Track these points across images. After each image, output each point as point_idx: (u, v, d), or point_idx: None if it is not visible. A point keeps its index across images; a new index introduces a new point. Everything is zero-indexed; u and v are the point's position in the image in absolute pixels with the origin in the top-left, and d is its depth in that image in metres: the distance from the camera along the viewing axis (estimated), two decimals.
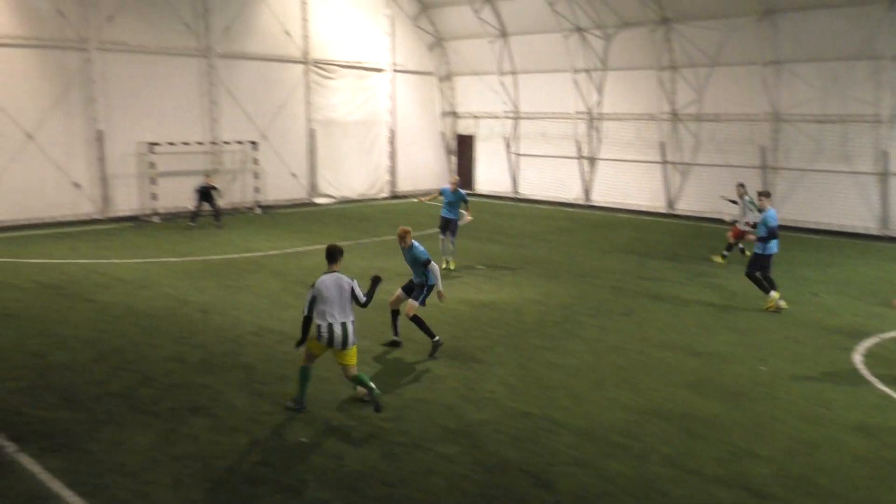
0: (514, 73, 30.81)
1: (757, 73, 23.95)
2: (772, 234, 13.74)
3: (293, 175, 28.26)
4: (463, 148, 33.58)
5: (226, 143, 25.88)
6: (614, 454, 7.90)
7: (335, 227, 23.08)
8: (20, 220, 21.68)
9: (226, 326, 12.27)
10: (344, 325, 8.73)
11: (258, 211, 26.34)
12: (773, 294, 13.85)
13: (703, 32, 24.93)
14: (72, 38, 22.37)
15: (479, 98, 32.34)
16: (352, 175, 30.18)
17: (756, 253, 14.07)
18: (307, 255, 18.60)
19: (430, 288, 11.09)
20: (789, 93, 23.69)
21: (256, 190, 26.64)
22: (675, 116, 26.48)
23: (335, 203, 29.17)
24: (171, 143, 24.03)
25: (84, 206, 23.05)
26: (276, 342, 11.47)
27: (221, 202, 23.20)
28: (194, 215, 22.37)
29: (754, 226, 15.05)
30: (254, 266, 17.11)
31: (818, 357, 11.23)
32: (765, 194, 14.59)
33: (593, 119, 28.77)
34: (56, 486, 7.01)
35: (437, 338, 11.06)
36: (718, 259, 18.28)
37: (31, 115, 21.81)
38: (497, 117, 31.63)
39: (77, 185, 22.86)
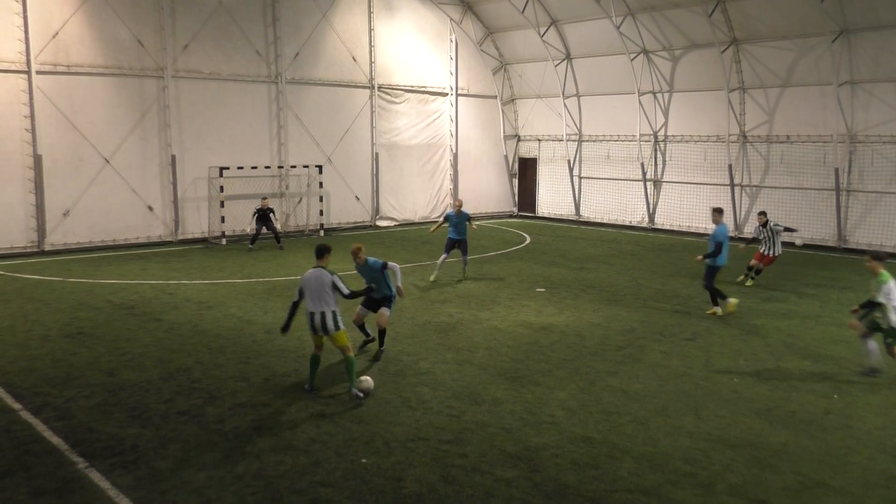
0: (577, 95, 30.71)
1: (831, 94, 23.30)
2: (718, 248, 14.81)
3: (357, 198, 28.69)
4: (525, 171, 33.56)
5: (292, 167, 26.47)
6: (678, 482, 7.70)
7: (397, 248, 23.27)
8: (96, 241, 22.57)
9: (289, 347, 12.45)
10: (323, 314, 9.95)
11: (322, 233, 26.79)
12: (732, 300, 15.06)
13: (774, 52, 24.44)
14: (149, 67, 23.31)
15: (542, 121, 32.34)
16: (414, 198, 30.47)
17: (708, 266, 14.98)
18: None
19: (393, 298, 11.86)
20: (865, 113, 22.97)
21: (321, 212, 27.12)
22: (743, 138, 25.94)
23: (397, 226, 29.45)
24: (240, 168, 24.71)
25: (156, 229, 23.86)
26: (338, 363, 11.57)
27: (279, 225, 23.63)
28: (253, 238, 22.86)
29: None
30: None
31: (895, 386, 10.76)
32: (717, 210, 15.68)
33: (658, 141, 28.41)
34: (124, 502, 7.19)
35: (383, 348, 11.90)
36: (747, 282, 18.22)
37: (109, 140, 22.74)
38: (560, 140, 31.54)
39: (150, 209, 23.68)
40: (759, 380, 10.96)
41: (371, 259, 11.84)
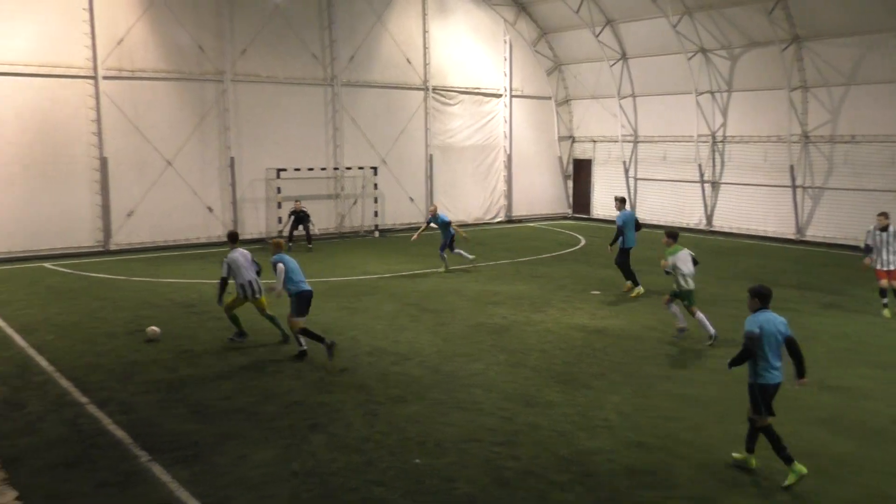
0: (633, 95, 30.34)
1: None
2: (619, 232, 16.98)
3: (411, 199, 28.85)
4: (580, 172, 33.29)
5: (347, 168, 26.76)
6: (737, 490, 7.54)
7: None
8: (158, 241, 23.18)
9: (343, 347, 12.58)
10: (250, 282, 12.51)
11: (376, 234, 27.02)
12: (638, 288, 16.78)
13: (838, 50, 23.73)
14: (209, 71, 23.86)
15: (597, 122, 32.03)
16: (468, 199, 30.50)
17: (620, 248, 17.11)
18: (423, 277, 18.87)
19: (296, 295, 11.95)
20: None
21: (375, 214, 27.37)
22: (805, 138, 25.27)
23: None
24: (297, 169, 25.10)
25: (215, 229, 24.38)
26: (391, 363, 11.67)
27: (315, 228, 23.94)
28: (289, 238, 23.13)
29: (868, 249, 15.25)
30: (371, 288, 17.52)
31: None
32: (620, 199, 17.89)
33: (717, 142, 27.87)
34: (184, 495, 7.37)
35: (330, 341, 11.80)
36: (887, 314, 14.92)
37: (171, 143, 23.35)
38: (615, 141, 31.19)
39: (210, 209, 24.22)
40: (823, 388, 10.65)
41: (275, 256, 12.08)
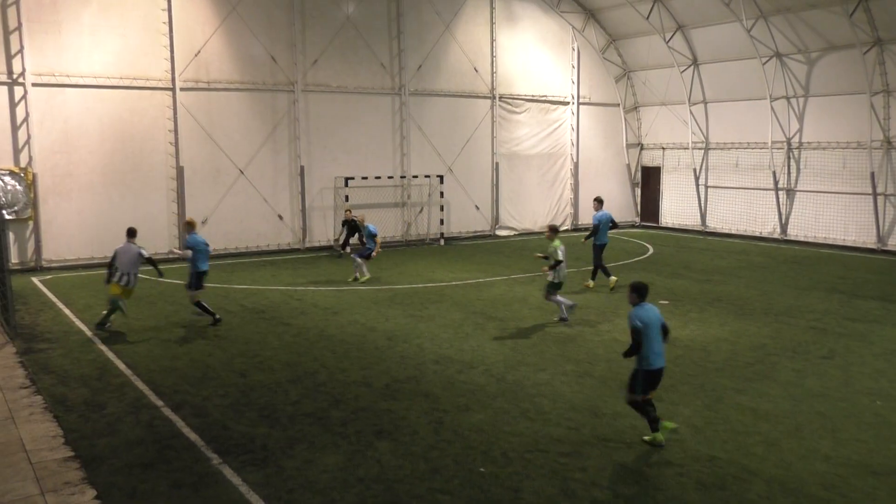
0: (704, 101, 29.72)
1: None
2: (595, 229, 18.41)
3: (476, 207, 28.88)
4: (648, 180, 32.76)
5: (414, 177, 26.98)
6: None
7: (516, 258, 23.24)
8: (230, 248, 23.78)
9: (409, 354, 12.67)
10: (128, 274, 14.27)
11: (442, 242, 27.13)
12: (612, 278, 18.24)
13: None
14: (282, 81, 24.42)
15: (666, 128, 31.49)
16: (534, 207, 30.35)
17: (594, 245, 18.56)
18: (488, 285, 18.85)
19: (194, 274, 14.79)
20: None
21: (441, 222, 27.50)
22: (888, 144, 24.30)
23: (517, 235, 29.41)
24: (364, 178, 25.43)
25: (285, 237, 24.89)
26: (456, 371, 11.68)
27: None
28: (343, 244, 23.37)
29: None
30: (437, 296, 17.59)
31: None
32: (598, 200, 19.37)
33: (792, 148, 27.05)
34: (253, 498, 7.52)
35: (217, 316, 14.72)
36: None
37: (243, 152, 23.96)
38: (685, 148, 30.59)
39: (280, 217, 24.74)
40: None
41: (189, 239, 14.91)
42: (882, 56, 23.81)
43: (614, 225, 19.13)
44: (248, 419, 9.68)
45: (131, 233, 14.79)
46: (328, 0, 25.03)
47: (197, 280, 14.83)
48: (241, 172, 23.94)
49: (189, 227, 15.19)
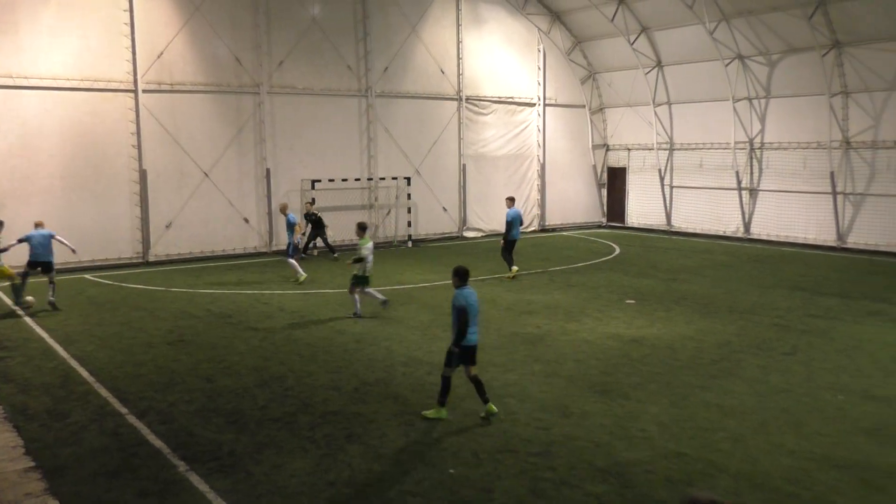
0: (668, 103, 30.08)
1: None
2: (509, 226, 20.02)
3: (444, 209, 28.89)
4: (614, 180, 33.05)
5: (381, 179, 26.91)
6: (780, 502, 7.38)
7: (484, 260, 23.29)
8: (196, 252, 23.49)
9: (378, 357, 12.62)
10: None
11: (409, 244, 27.10)
12: (514, 268, 20.00)
13: (880, 55, 23.28)
14: (247, 83, 24.20)
15: (631, 130, 31.80)
16: (501, 209, 30.24)
17: (505, 241, 20.25)
18: None
19: (29, 263, 16.29)
20: None
21: (409, 224, 27.47)
22: (846, 144, 24.80)
23: (484, 236, 29.47)
24: (331, 180, 25.30)
25: (252, 240, 24.66)
26: (425, 373, 11.66)
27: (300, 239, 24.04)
28: (305, 247, 23.59)
29: None
30: (405, 298, 17.56)
31: None
32: (510, 199, 21.05)
33: (754, 149, 27.49)
34: None
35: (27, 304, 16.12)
36: None
37: (208, 155, 23.69)
38: (650, 149, 30.92)
39: (246, 220, 24.50)
40: (867, 397, 10.41)
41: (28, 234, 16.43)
42: (840, 58, 24.30)
43: (522, 222, 20.76)
44: (215, 425, 9.56)
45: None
46: (293, 1, 24.87)
47: (31, 267, 16.49)
48: (206, 175, 23.66)
49: (37, 225, 16.80)
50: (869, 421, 9.49)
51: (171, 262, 23.00)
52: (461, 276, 9.90)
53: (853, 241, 24.92)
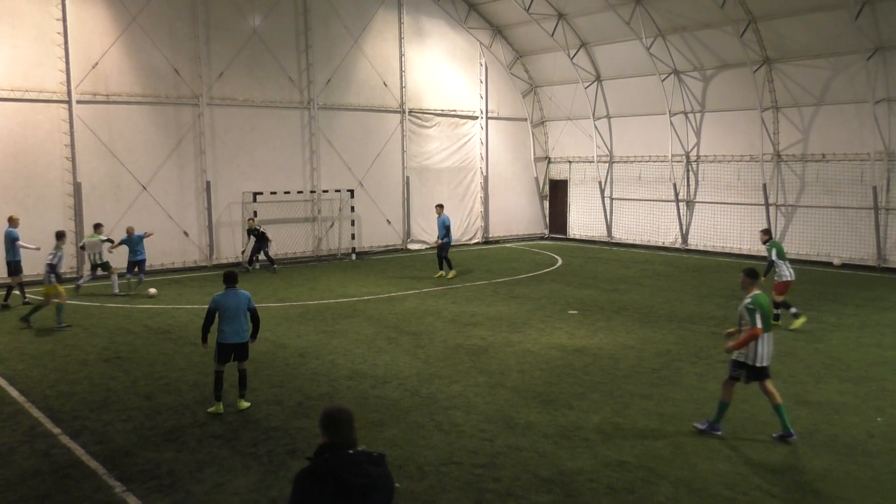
0: (608, 116, 30.67)
1: (867, 112, 22.96)
2: (448, 230, 21.86)
3: (388, 221, 28.85)
4: (556, 193, 33.50)
5: (324, 191, 26.74)
6: None
7: (428, 271, 23.31)
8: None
9: (322, 371, 12.50)
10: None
11: (353, 257, 26.96)
12: (453, 271, 21.93)
13: (807, 71, 24.20)
14: (186, 94, 23.79)
15: (572, 143, 32.31)
16: None
17: (443, 243, 21.71)
18: (401, 299, 18.82)
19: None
20: None
21: (352, 236, 27.34)
22: (778, 157, 25.66)
23: (429, 249, 29.50)
24: (273, 193, 25.03)
25: (192, 254, 24.20)
26: (370, 387, 11.60)
27: (247, 250, 24.25)
28: (251, 260, 23.74)
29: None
30: (349, 311, 17.45)
31: None
32: (439, 206, 22.65)
33: (691, 161, 28.22)
34: None
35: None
36: (803, 319, 15.41)
37: (146, 167, 23.19)
38: (591, 161, 31.46)
39: (186, 234, 24.03)
40: (799, 402, 10.74)
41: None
42: (770, 74, 25.16)
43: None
44: (154, 444, 9.32)
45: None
46: (234, 12, 24.59)
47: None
48: (144, 188, 23.15)
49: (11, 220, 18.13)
50: (802, 426, 9.78)
51: (108, 276, 22.33)
52: (226, 280, 10.68)
53: (786, 250, 25.67)
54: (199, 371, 12.50)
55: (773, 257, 15.39)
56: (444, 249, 22.04)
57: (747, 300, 9.46)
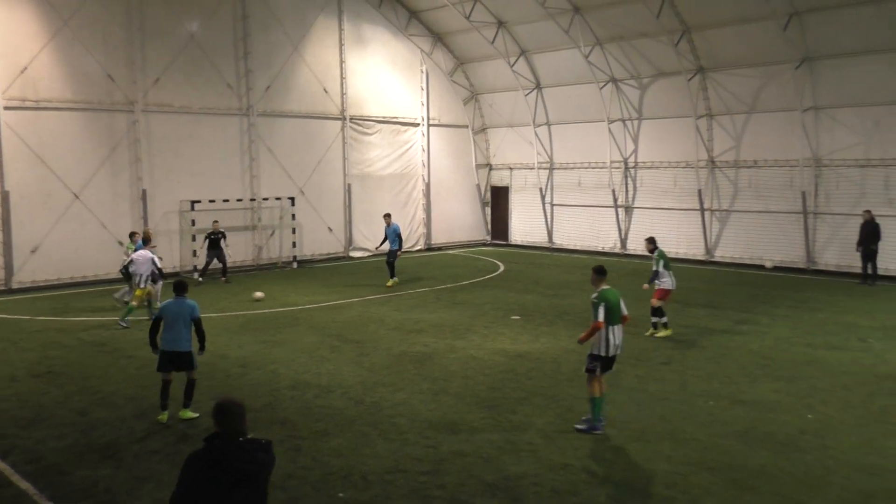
0: (548, 123, 31.06)
1: (796, 119, 23.79)
2: (399, 238, 22.44)
3: (330, 229, 28.62)
4: (497, 199, 33.75)
5: (264, 199, 26.39)
6: None
7: (370, 279, 23.21)
8: (65, 278, 22.21)
9: (264, 381, 12.32)
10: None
11: (295, 265, 26.67)
12: (395, 279, 22.14)
13: (739, 80, 24.95)
14: (120, 101, 23.19)
15: (513, 149, 32.61)
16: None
17: (392, 250, 22.14)
18: (343, 308, 18.70)
19: None
20: (830, 138, 23.48)
21: (293, 244, 27.03)
22: (712, 164, 26.36)
23: (371, 256, 29.36)
24: (212, 201, 24.58)
25: None
26: (313, 396, 11.47)
27: (230, 253, 23.80)
28: (203, 270, 23.12)
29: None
30: (291, 320, 17.24)
31: (868, 404, 10.89)
32: (387, 215, 23.15)
33: (629, 168, 28.77)
34: None
35: None
36: (668, 332, 15.43)
37: (78, 175, 22.50)
38: (531, 168, 31.80)
39: (121, 244, 23.35)
40: (735, 402, 11.03)
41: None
42: (704, 83, 25.86)
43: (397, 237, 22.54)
44: (89, 461, 9.03)
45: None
46: (170, 17, 24.10)
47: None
48: (76, 197, 22.46)
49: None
50: (737, 425, 10.05)
51: (38, 288, 21.62)
52: (176, 289, 10.68)
53: (720, 254, 26.45)
54: (135, 384, 12.18)
55: (660, 268, 15.51)
56: (393, 256, 22.32)
57: (594, 295, 10.07)
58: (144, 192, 23.71)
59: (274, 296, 20.37)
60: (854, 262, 22.58)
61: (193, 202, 24.23)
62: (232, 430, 4.49)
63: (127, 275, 17.44)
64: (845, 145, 23.13)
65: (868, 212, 21.77)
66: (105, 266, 22.97)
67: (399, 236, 22.58)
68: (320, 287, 22.05)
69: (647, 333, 15.33)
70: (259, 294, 19.74)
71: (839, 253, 23.41)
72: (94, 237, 22.82)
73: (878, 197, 22.56)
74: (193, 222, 24.10)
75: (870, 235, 21.61)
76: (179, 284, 10.76)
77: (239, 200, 25.72)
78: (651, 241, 16.36)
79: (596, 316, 9.88)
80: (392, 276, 22.26)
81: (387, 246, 22.64)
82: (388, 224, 22.70)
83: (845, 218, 23.22)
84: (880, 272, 21.95)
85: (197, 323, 10.60)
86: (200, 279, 22.70)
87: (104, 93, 22.91)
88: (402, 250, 22.74)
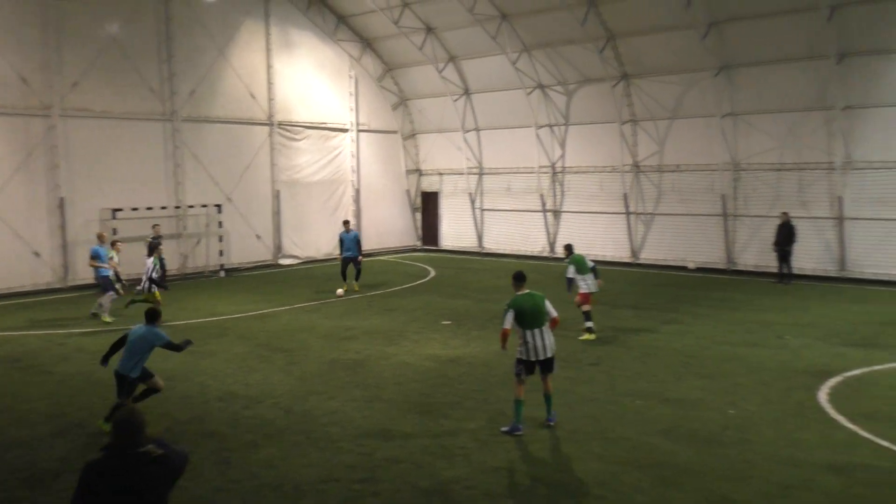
0: (477, 129, 31.30)
1: (715, 125, 24.62)
2: (358, 245, 22.29)
3: (258, 237, 28.16)
4: (428, 204, 33.82)
5: (190, 206, 25.77)
6: None
7: (300, 287, 22.94)
8: None
9: (191, 394, 12.02)
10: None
11: (222, 274, 26.13)
12: (345, 287, 21.65)
13: (661, 87, 25.67)
14: (35, 105, 22.29)
15: (443, 155, 32.74)
16: (317, 235, 30.11)
17: (351, 257, 21.97)
18: (272, 316, 18.42)
19: None
20: (747, 143, 24.37)
21: (221, 253, 26.48)
22: (636, 168, 27.01)
23: (300, 264, 29.05)
24: (135, 209, 23.87)
25: (44, 276, 22.63)
26: (242, 407, 11.25)
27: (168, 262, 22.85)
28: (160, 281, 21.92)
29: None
30: (219, 330, 16.88)
31: (786, 399, 11.31)
32: (346, 222, 23.53)
33: (556, 173, 29.22)
34: None
35: None
36: (590, 337, 15.51)
37: None
38: (461, 173, 31.99)
39: (37, 254, 22.48)
40: (661, 400, 11.31)
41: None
42: (629, 89, 26.50)
43: (359, 243, 22.53)
44: (4, 484, 8.63)
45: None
46: (88, 18, 23.30)
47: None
48: None
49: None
50: (664, 423, 10.31)
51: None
52: (147, 317, 10.52)
53: (645, 256, 27.11)
54: (53, 401, 11.71)
55: (570, 274, 15.82)
56: (358, 263, 22.21)
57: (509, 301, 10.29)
58: (62, 199, 22.86)
59: (200, 306, 19.91)
60: (771, 263, 23.47)
61: (115, 210, 23.48)
62: (120, 442, 4.51)
63: (154, 281, 18.08)
64: (762, 150, 24.05)
65: (785, 213, 22.71)
66: (19, 278, 22.03)
67: (358, 242, 22.37)
68: (249, 296, 21.66)
69: (582, 337, 15.52)
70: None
71: (757, 254, 24.30)
72: (7, 247, 21.85)
73: (792, 199, 23.51)
74: (115, 231, 23.34)
75: (787, 236, 22.55)
76: (151, 313, 10.62)
77: (163, 208, 25.05)
78: (567, 248, 16.70)
79: (504, 322, 10.14)
80: (357, 279, 22.16)
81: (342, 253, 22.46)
82: (348, 231, 22.59)
83: (762, 220, 24.12)
84: (795, 272, 22.88)
85: (166, 347, 10.50)
86: (166, 287, 20.88)
87: (18, 97, 21.99)
88: (352, 258, 22.19)
